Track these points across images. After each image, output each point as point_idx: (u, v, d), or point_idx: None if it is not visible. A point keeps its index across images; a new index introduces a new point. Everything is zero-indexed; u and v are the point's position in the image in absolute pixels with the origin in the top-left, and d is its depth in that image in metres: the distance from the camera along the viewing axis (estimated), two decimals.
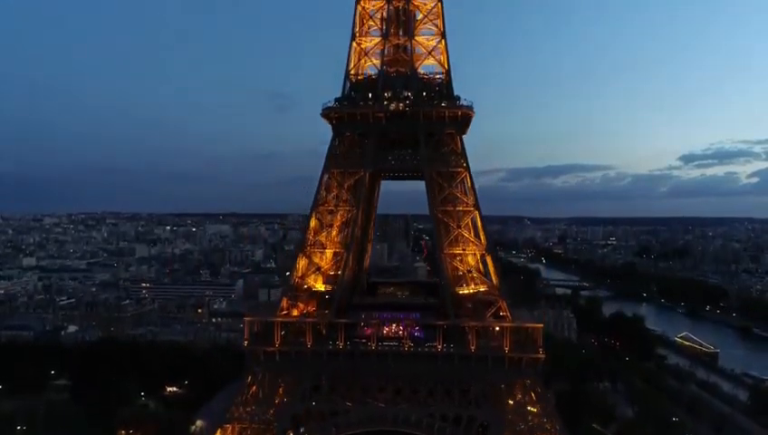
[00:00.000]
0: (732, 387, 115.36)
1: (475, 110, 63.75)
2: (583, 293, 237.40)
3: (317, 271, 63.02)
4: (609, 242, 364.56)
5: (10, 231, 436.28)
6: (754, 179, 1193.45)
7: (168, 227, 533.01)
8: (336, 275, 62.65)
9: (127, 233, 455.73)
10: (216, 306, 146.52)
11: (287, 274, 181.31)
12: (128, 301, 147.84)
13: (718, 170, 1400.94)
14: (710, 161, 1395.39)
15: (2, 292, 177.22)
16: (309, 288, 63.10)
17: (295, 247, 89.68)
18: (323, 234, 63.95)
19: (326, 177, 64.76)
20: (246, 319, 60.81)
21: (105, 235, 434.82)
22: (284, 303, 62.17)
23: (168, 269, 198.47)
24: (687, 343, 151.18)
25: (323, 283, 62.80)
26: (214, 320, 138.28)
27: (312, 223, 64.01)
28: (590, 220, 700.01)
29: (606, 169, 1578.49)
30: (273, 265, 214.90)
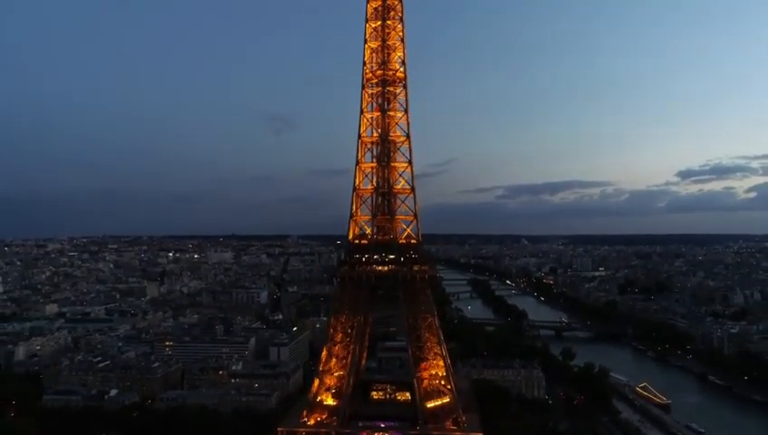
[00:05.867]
0: None
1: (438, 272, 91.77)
2: (566, 334, 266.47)
3: (327, 390, 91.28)
4: (598, 273, 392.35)
5: (18, 262, 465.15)
6: (752, 194, 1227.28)
7: (171, 254, 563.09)
8: (341, 392, 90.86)
9: (131, 264, 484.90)
10: (233, 367, 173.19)
11: (294, 329, 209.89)
12: (156, 363, 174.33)
13: (716, 186, 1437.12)
14: (708, 177, 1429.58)
15: (38, 348, 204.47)
16: (321, 401, 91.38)
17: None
18: (332, 362, 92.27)
19: (333, 319, 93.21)
20: (279, 429, 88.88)
21: (111, 265, 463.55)
22: (304, 413, 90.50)
23: (186, 325, 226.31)
24: (646, 394, 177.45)
25: (332, 398, 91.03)
26: (233, 381, 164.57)
27: (324, 353, 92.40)
28: (587, 239, 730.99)
29: (604, 186, 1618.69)
30: (280, 314, 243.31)
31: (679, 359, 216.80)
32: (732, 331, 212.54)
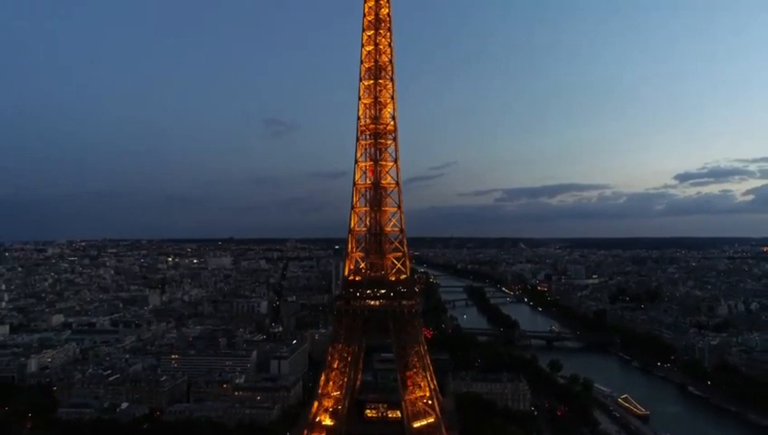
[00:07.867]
0: None
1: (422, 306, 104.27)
2: (556, 344, 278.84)
3: (325, 411, 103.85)
4: (591, 281, 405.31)
5: (19, 268, 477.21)
6: (749, 197, 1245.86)
7: (170, 259, 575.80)
8: (338, 413, 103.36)
9: (131, 270, 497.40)
10: (237, 381, 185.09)
11: (293, 341, 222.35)
12: (164, 376, 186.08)
13: (713, 189, 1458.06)
14: (705, 180, 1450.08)
15: (49, 360, 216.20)
16: (320, 422, 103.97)
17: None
18: (330, 385, 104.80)
19: (330, 348, 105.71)
20: None
21: (112, 272, 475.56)
22: (305, 433, 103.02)
23: (190, 337, 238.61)
24: (626, 405, 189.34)
25: (329, 419, 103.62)
26: (236, 394, 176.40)
27: (323, 378, 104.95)
28: (585, 242, 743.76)
29: (602, 188, 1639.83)
30: (280, 326, 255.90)
31: (662, 370, 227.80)
32: (712, 342, 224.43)
